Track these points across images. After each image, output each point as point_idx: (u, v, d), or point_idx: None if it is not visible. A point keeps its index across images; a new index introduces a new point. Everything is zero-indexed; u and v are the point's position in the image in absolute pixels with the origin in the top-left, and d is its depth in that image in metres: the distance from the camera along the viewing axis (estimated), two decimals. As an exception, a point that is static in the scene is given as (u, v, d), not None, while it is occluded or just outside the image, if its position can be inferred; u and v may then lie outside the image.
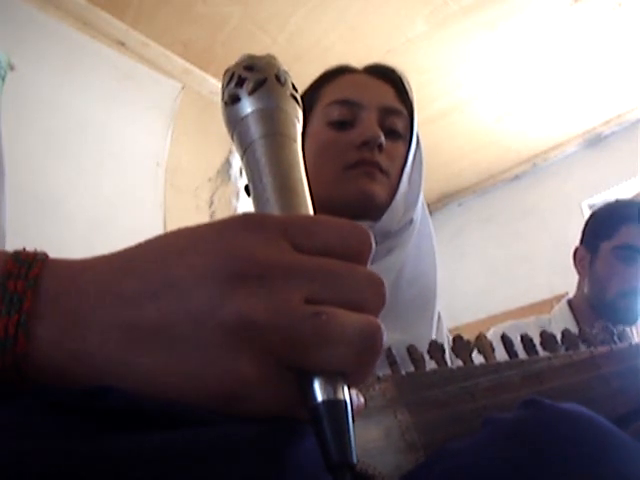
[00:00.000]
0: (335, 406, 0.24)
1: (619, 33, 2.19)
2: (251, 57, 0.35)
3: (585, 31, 2.17)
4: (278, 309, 0.24)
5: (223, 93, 0.35)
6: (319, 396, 0.24)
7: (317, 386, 0.24)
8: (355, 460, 0.24)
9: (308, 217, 0.30)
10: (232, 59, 0.36)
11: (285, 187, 0.31)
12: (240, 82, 0.34)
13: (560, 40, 2.20)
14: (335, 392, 0.24)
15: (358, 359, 0.25)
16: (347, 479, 0.23)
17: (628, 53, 2.28)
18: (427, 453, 0.41)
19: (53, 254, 0.27)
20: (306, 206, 0.31)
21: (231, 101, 0.34)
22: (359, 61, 0.83)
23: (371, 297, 0.26)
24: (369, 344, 0.25)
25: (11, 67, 1.57)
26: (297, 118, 0.34)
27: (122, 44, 1.96)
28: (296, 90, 0.35)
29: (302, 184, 0.32)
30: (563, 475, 0.34)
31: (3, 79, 1.53)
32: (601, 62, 2.32)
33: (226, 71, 0.35)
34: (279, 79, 0.34)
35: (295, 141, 0.34)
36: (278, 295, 0.24)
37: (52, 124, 1.68)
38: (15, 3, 1.65)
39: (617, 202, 1.49)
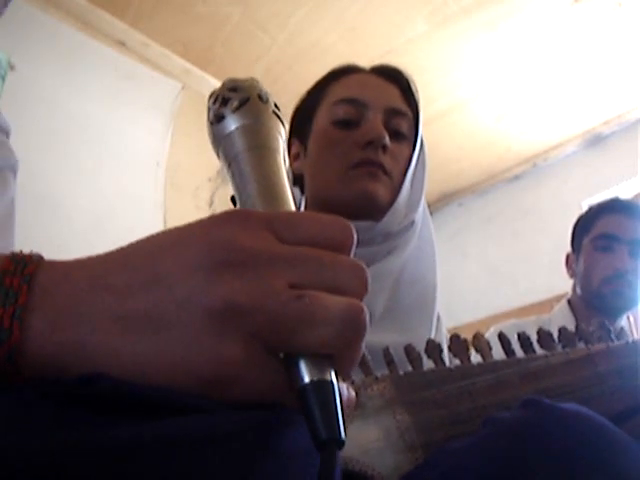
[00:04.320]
0: (322, 386, 0.25)
1: (619, 33, 2.19)
2: (234, 80, 0.37)
3: (585, 31, 2.17)
4: (262, 293, 0.25)
5: (209, 114, 0.36)
6: (306, 377, 0.25)
7: (303, 368, 0.25)
8: (343, 436, 0.24)
9: (291, 212, 0.31)
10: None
11: (269, 193, 0.32)
12: (224, 102, 0.36)
13: (560, 40, 2.20)
14: (322, 373, 0.25)
15: (342, 339, 0.25)
16: (334, 454, 0.24)
17: (628, 53, 2.28)
18: (426, 453, 0.41)
19: (53, 254, 0.27)
20: (290, 209, 0.32)
21: (216, 120, 0.36)
22: (359, 61, 0.83)
23: (354, 282, 0.27)
24: (353, 324, 0.25)
25: (11, 67, 1.57)
26: (279, 133, 0.36)
27: (122, 44, 1.96)
28: (278, 109, 0.37)
29: (285, 190, 0.33)
30: (563, 475, 0.34)
31: (3, 79, 1.53)
32: (601, 62, 2.32)
33: (211, 94, 0.37)
34: (261, 98, 0.36)
35: (278, 153, 0.35)
36: (262, 280, 0.25)
37: (52, 124, 1.68)
38: (15, 3, 1.65)
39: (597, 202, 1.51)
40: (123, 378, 0.24)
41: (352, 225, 0.29)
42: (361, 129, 0.73)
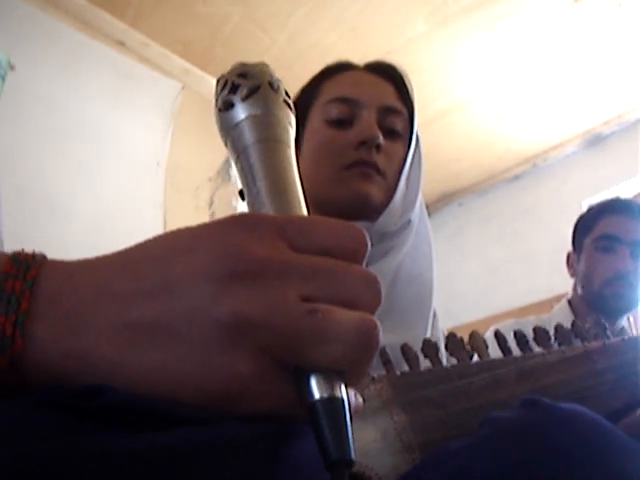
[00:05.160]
0: (332, 403, 0.24)
1: (619, 33, 2.18)
2: (244, 65, 0.35)
3: (585, 31, 2.17)
4: (273, 306, 0.24)
5: (217, 100, 0.35)
6: (316, 394, 0.24)
7: (314, 384, 0.24)
8: (353, 457, 0.24)
9: (304, 217, 0.30)
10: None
11: (279, 190, 0.31)
12: (234, 89, 0.34)
13: (560, 40, 2.20)
14: (332, 390, 0.24)
15: (354, 356, 0.25)
16: (345, 476, 0.23)
17: (628, 53, 2.28)
18: (423, 453, 0.41)
19: (53, 254, 0.27)
20: (300, 208, 0.31)
21: (225, 107, 0.34)
22: (359, 61, 0.82)
23: (366, 295, 0.26)
24: (365, 341, 0.25)
25: (11, 67, 1.57)
26: (290, 124, 0.35)
27: (122, 44, 1.96)
28: (289, 97, 0.36)
29: (296, 187, 0.32)
30: (562, 475, 0.34)
31: (3, 79, 1.53)
32: (601, 62, 2.32)
33: (219, 78, 0.35)
34: (272, 86, 0.34)
35: (288, 146, 0.34)
36: (274, 293, 0.24)
37: (52, 124, 1.68)
38: (15, 3, 1.66)
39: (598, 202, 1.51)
40: (128, 389, 0.23)
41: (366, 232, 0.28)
42: (354, 129, 0.72)
